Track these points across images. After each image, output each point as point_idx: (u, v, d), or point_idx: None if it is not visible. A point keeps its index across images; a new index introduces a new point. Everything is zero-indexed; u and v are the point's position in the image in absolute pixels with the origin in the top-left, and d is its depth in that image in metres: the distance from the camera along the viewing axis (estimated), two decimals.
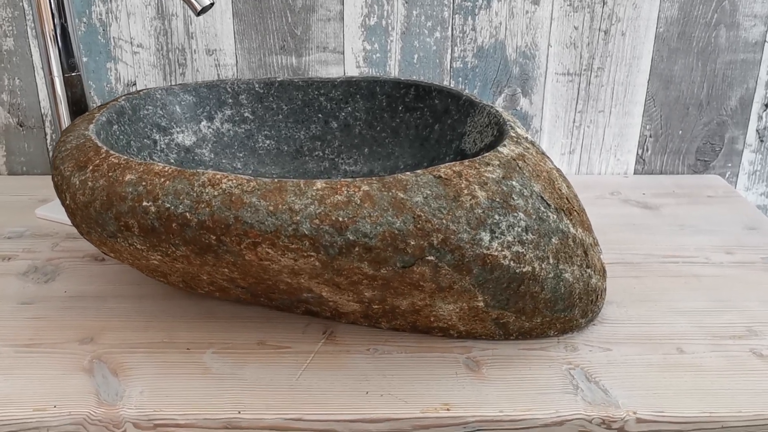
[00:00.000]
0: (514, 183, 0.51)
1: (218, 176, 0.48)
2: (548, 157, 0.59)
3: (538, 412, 0.48)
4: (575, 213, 0.56)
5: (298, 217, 0.46)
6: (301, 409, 0.48)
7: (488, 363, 0.53)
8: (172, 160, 0.69)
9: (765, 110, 0.85)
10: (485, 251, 0.48)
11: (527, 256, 0.49)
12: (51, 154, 0.75)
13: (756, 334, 0.56)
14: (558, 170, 0.58)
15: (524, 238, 0.49)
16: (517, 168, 0.53)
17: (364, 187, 0.47)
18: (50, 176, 0.87)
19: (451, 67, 0.82)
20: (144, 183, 0.49)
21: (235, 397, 0.49)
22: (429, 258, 0.47)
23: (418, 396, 0.50)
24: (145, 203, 0.48)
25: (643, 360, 0.53)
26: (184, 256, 0.50)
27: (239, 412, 0.48)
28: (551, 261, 0.51)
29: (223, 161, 0.73)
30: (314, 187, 0.47)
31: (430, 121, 0.72)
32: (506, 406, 0.49)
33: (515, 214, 0.49)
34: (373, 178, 0.48)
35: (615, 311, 0.59)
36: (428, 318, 0.54)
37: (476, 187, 0.49)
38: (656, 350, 0.54)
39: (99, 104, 0.84)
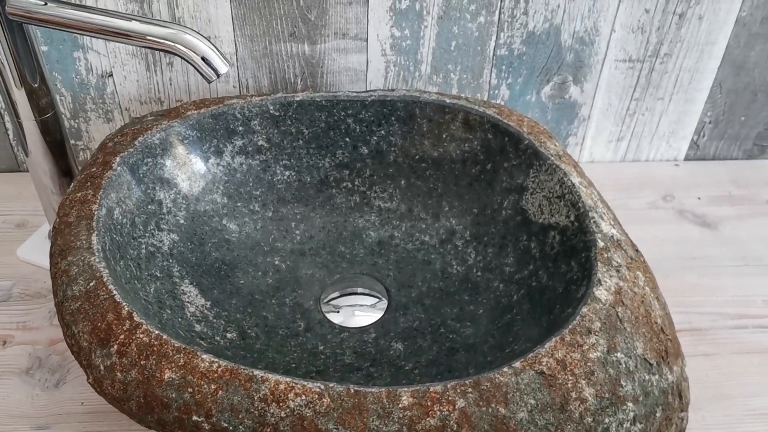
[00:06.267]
0: (619, 355, 0.44)
1: (281, 386, 0.40)
2: (638, 251, 0.51)
3: None
4: (671, 344, 0.49)
5: None
6: None
7: None
8: (182, 220, 0.58)
9: None
10: None
11: None
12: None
13: None
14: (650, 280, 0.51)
15: (632, 431, 0.43)
16: (619, 323, 0.46)
17: (459, 402, 0.40)
18: (17, 172, 0.74)
19: (494, 54, 0.69)
20: (190, 389, 0.40)
21: None
22: None
23: None
24: (195, 418, 0.40)
25: None
26: None
27: None
28: None
29: (238, 204, 0.62)
30: (400, 405, 0.40)
31: (481, 158, 0.61)
32: None
33: (624, 407, 0.43)
34: (467, 381, 0.41)
35: (690, 417, 0.54)
36: None
37: (584, 383, 0.42)
38: None
39: (69, 113, 0.69)
